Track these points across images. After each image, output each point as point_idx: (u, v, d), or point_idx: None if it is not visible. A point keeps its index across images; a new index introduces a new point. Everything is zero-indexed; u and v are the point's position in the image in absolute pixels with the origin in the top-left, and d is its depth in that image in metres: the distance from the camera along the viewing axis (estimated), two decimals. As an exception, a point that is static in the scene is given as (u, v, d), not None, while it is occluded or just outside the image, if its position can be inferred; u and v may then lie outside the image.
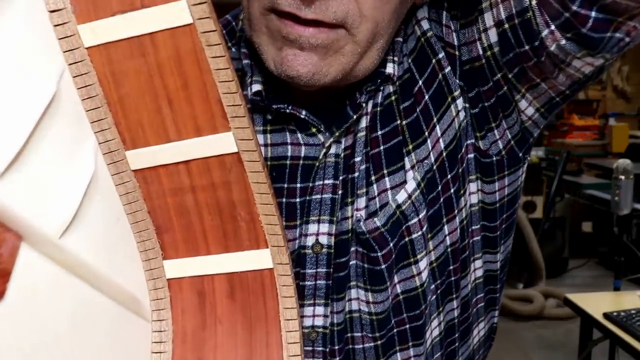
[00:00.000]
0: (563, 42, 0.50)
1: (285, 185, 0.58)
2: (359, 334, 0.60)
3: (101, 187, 0.40)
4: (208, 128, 0.40)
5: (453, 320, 0.64)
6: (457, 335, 0.65)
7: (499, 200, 0.63)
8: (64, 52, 0.38)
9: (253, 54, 0.56)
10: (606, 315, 1.76)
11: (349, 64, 0.52)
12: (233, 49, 0.61)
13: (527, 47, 0.52)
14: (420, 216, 0.57)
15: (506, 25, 0.53)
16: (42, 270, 0.35)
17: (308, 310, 0.59)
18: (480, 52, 0.55)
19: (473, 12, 0.55)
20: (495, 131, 0.59)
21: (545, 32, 0.50)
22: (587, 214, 4.89)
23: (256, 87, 0.56)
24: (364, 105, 0.56)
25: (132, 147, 0.41)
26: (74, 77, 0.39)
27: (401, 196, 0.56)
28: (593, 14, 0.47)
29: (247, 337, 0.44)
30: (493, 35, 0.54)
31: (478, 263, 0.65)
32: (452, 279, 0.62)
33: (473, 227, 0.62)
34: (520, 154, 0.63)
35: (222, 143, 0.40)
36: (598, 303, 1.90)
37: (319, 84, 0.52)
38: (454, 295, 0.63)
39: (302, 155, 0.57)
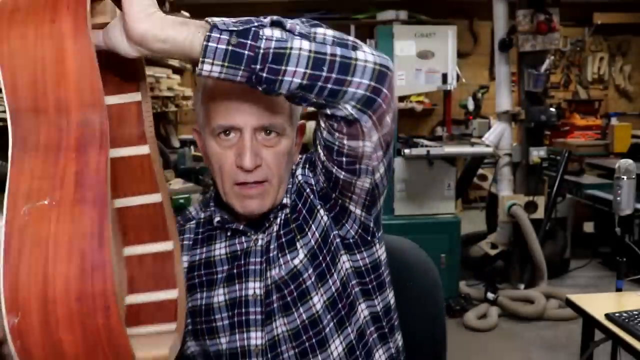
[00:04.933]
0: (342, 175, 0.95)
1: (235, 263, 1.04)
2: (284, 347, 1.01)
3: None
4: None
5: (351, 343, 1.03)
6: (358, 353, 1.04)
7: (364, 266, 1.06)
8: None
9: (216, 204, 1.07)
10: (608, 316, 1.75)
11: (273, 198, 1.00)
12: (212, 207, 1.08)
13: (332, 181, 0.98)
14: (309, 272, 1.01)
15: (320, 167, 1.00)
16: None
17: (252, 334, 1.02)
18: (323, 185, 1.02)
19: (315, 163, 1.02)
20: (346, 225, 1.03)
21: (335, 172, 0.95)
22: (589, 214, 4.87)
23: (217, 218, 1.06)
24: (272, 219, 1.03)
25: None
26: None
27: (296, 261, 1.01)
28: (335, 169, 0.95)
29: None
30: (322, 175, 1.01)
31: (363, 306, 1.06)
32: (342, 313, 1.02)
33: (352, 282, 1.04)
34: (369, 238, 1.05)
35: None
36: (600, 304, 1.89)
37: (262, 211, 1.00)
38: (347, 324, 1.03)
39: (244, 247, 1.05)
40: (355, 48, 0.79)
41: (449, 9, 6.64)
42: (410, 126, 6.52)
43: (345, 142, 0.87)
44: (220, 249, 1.06)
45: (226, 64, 0.73)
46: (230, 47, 0.72)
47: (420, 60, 3.55)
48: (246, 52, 0.73)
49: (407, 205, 3.64)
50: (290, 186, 1.05)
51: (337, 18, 6.11)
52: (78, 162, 0.65)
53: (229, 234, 1.06)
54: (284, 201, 1.04)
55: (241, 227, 1.04)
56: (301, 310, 1.00)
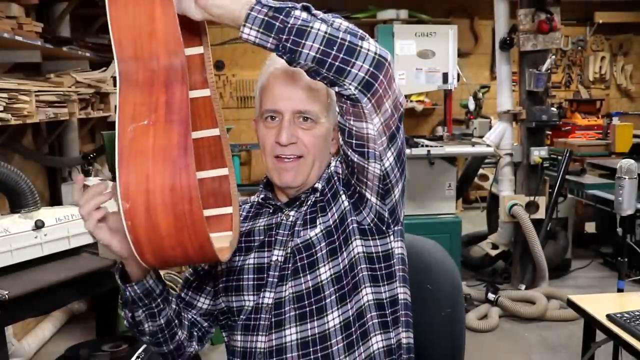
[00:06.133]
0: (355, 158, 1.09)
1: (269, 233, 1.22)
2: (288, 307, 1.15)
3: None
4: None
5: (349, 319, 1.14)
6: (353, 330, 1.14)
7: (375, 253, 1.17)
8: None
9: (264, 187, 1.27)
10: (609, 317, 1.73)
11: (306, 175, 1.18)
12: (260, 188, 1.29)
13: (349, 166, 1.12)
14: (322, 245, 1.15)
15: (341, 153, 1.13)
16: None
17: (267, 294, 1.17)
18: (346, 171, 1.16)
19: (343, 156, 1.14)
20: (363, 212, 1.16)
21: (350, 155, 1.09)
22: (591, 215, 4.85)
23: (262, 195, 1.27)
24: (303, 199, 1.21)
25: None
26: None
27: (312, 233, 1.17)
28: (350, 152, 1.09)
29: None
30: (344, 163, 1.15)
31: (369, 290, 1.16)
32: (345, 290, 1.14)
33: (361, 266, 1.16)
34: (383, 227, 1.17)
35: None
36: (601, 304, 1.88)
37: (295, 185, 1.18)
38: (347, 301, 1.14)
39: (278, 220, 1.23)
40: (362, 39, 0.97)
41: (450, 8, 6.63)
42: (410, 126, 6.51)
43: (352, 122, 1.03)
44: (261, 222, 1.24)
45: (261, 30, 0.93)
46: (266, 18, 0.92)
47: (420, 59, 3.54)
48: (277, 24, 0.92)
49: (408, 205, 3.61)
50: (325, 175, 1.22)
51: (338, 17, 6.09)
52: (167, 94, 0.89)
53: (270, 210, 1.25)
54: (316, 185, 1.20)
55: (279, 203, 1.23)
56: (308, 277, 1.14)
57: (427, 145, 3.63)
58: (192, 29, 1.03)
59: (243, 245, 1.23)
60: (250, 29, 0.93)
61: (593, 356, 1.93)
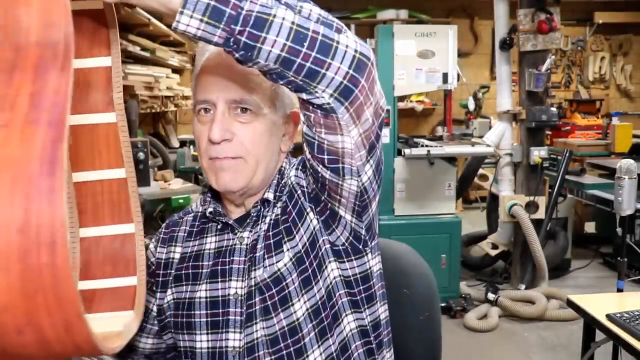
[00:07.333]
0: (327, 175, 0.91)
1: (220, 259, 1.02)
2: (262, 352, 0.98)
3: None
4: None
5: (332, 355, 0.99)
6: None
7: (352, 276, 1.01)
8: None
9: (212, 196, 1.06)
10: (609, 317, 1.74)
11: (248, 178, 0.98)
12: (207, 198, 1.09)
13: (319, 182, 0.94)
14: (293, 277, 0.97)
15: (308, 167, 0.95)
16: None
17: (231, 335, 0.99)
18: (313, 186, 0.98)
19: (305, 166, 0.98)
20: (336, 230, 0.99)
21: (321, 171, 0.91)
22: (590, 215, 4.85)
23: (210, 209, 1.05)
24: (253, 215, 1.02)
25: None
26: None
27: (280, 264, 0.98)
28: (320, 168, 0.90)
29: None
30: (311, 176, 0.97)
31: (350, 318, 1.02)
32: (325, 323, 0.99)
33: (339, 292, 1.00)
34: (360, 246, 1.01)
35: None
36: (601, 304, 1.88)
37: (236, 189, 0.98)
38: (329, 335, 0.99)
39: (231, 244, 1.03)
40: (339, 31, 0.77)
41: (450, 8, 6.64)
42: (410, 126, 6.52)
43: (323, 135, 0.84)
44: (210, 243, 1.05)
45: (205, 18, 0.69)
46: (212, 2, 0.69)
47: (420, 59, 3.54)
48: (228, 9, 0.70)
49: (407, 205, 3.63)
50: (275, 181, 1.04)
51: (337, 17, 6.10)
52: (34, 84, 0.57)
53: (219, 227, 1.05)
54: (266, 196, 1.01)
55: (230, 221, 1.03)
56: (281, 315, 0.97)
57: (427, 145, 3.63)
58: (97, 33, 0.77)
59: (190, 272, 1.03)
60: (191, 17, 0.69)
61: (593, 356, 1.94)
